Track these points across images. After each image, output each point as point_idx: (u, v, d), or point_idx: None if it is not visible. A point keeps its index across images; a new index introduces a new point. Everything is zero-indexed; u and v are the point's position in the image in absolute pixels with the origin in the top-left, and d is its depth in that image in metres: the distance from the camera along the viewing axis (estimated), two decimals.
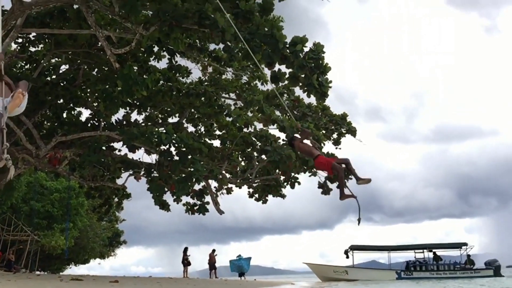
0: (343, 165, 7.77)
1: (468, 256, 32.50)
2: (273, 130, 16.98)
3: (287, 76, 10.62)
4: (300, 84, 9.92)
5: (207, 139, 17.46)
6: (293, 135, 8.96)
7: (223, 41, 11.76)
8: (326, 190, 17.92)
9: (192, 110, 16.72)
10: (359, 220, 7.88)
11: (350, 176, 8.75)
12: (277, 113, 16.90)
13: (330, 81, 9.68)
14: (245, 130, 16.84)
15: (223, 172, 16.62)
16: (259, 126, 17.33)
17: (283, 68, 10.57)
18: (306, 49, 9.67)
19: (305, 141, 8.41)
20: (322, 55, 9.51)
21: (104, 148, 15.56)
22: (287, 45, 9.81)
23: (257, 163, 17.12)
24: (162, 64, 15.21)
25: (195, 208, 16.98)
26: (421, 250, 33.32)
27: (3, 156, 4.48)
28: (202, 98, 15.37)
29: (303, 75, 9.63)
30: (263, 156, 16.80)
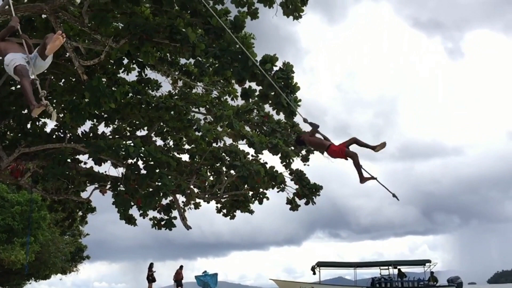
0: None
1: (432, 273, 33.05)
2: (243, 146, 17.04)
3: (257, 93, 10.69)
4: (270, 102, 10.01)
5: (175, 153, 17.31)
6: (297, 135, 8.96)
7: (194, 56, 11.80)
8: (294, 206, 17.99)
9: (161, 123, 16.57)
10: (394, 195, 8.11)
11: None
12: (247, 128, 16.96)
13: (299, 100, 9.81)
14: (214, 145, 16.82)
15: (191, 186, 16.48)
16: (229, 141, 17.34)
17: (254, 85, 10.65)
18: (276, 68, 9.78)
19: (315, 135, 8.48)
20: (292, 74, 9.64)
21: (69, 160, 15.19)
22: (257, 63, 9.90)
23: (225, 178, 17.07)
24: (132, 76, 15.07)
25: (162, 223, 16.72)
26: (387, 267, 33.71)
27: (43, 103, 4.90)
28: (172, 112, 15.27)
29: (272, 93, 9.72)
30: (232, 171, 16.77)
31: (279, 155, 16.49)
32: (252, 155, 17.30)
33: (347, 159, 8.02)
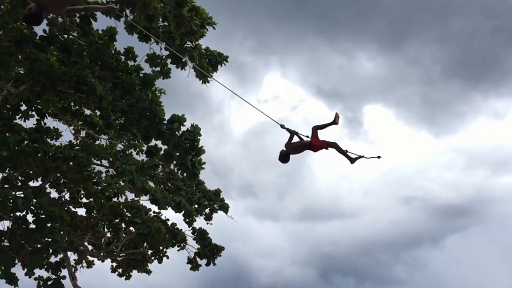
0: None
1: None
2: (145, 201, 16.52)
3: (162, 152, 10.59)
4: (174, 162, 9.94)
5: (71, 207, 16.27)
6: (280, 152, 8.61)
7: (100, 108, 11.49)
8: (195, 266, 17.52)
9: (58, 174, 15.61)
10: (379, 156, 8.29)
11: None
12: (151, 184, 16.54)
13: (204, 163, 9.87)
14: (114, 199, 16.11)
15: (85, 243, 15.48)
16: (131, 196, 16.74)
17: (159, 143, 10.55)
18: (183, 128, 9.82)
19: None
20: (198, 137, 9.72)
21: None
22: (165, 122, 9.87)
23: (124, 235, 16.29)
24: (29, 123, 14.19)
25: (49, 283, 15.33)
26: None
27: None
28: (71, 163, 14.51)
29: (177, 153, 9.69)
30: (132, 228, 16.08)
31: (182, 213, 16.19)
32: (154, 212, 16.80)
33: (327, 149, 8.36)
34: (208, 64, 10.97)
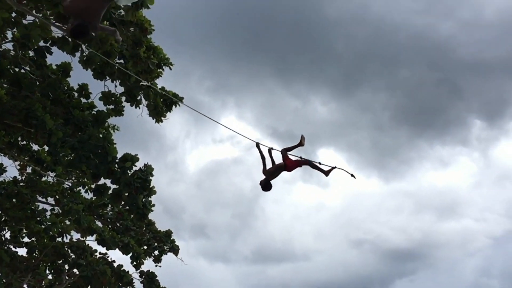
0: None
1: None
2: (92, 242, 15.88)
3: (110, 192, 10.32)
4: (123, 203, 9.71)
5: (11, 247, 15.39)
6: (260, 183, 8.62)
7: (49, 143, 11.15)
8: None
9: (0, 211, 14.83)
10: (352, 175, 8.68)
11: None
12: (99, 223, 15.96)
13: (153, 205, 9.72)
14: (59, 239, 15.40)
15: (25, 286, 14.61)
16: (77, 236, 16.06)
17: (109, 182, 10.29)
18: (135, 168, 9.66)
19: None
20: (150, 177, 9.59)
21: None
22: (117, 160, 9.69)
23: (67, 278, 15.51)
24: None
25: None
26: None
27: None
28: (14, 200, 13.86)
29: (127, 194, 9.47)
30: (75, 270, 15.37)
31: (130, 254, 15.64)
32: (100, 253, 16.16)
33: (301, 167, 8.68)
34: (163, 103, 10.97)
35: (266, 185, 8.61)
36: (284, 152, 8.63)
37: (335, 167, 8.68)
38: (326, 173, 8.66)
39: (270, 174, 8.61)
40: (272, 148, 8.72)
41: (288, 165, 8.52)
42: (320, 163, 8.61)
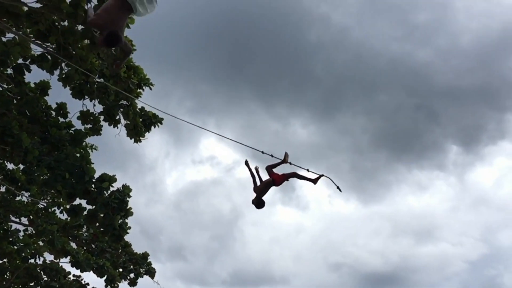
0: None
1: None
2: (65, 264, 15.49)
3: (85, 213, 10.11)
4: (98, 224, 9.52)
5: None
6: (253, 201, 8.86)
7: (24, 162, 10.93)
8: None
9: None
10: (338, 188, 8.84)
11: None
12: (73, 245, 15.60)
13: (129, 227, 9.59)
14: (31, 261, 14.98)
15: None
16: (50, 257, 15.65)
17: (84, 203, 10.09)
18: (113, 188, 9.53)
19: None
20: (128, 198, 9.46)
21: None
22: (94, 180, 9.54)
23: None
24: None
25: None
26: None
27: None
28: None
29: (102, 215, 9.31)
30: None
31: (105, 277, 15.28)
32: (74, 275, 15.75)
33: (288, 180, 8.87)
34: (142, 123, 10.92)
35: (259, 203, 8.82)
36: (269, 169, 8.80)
37: (322, 175, 8.82)
38: (314, 181, 8.82)
39: (260, 191, 8.83)
40: (257, 170, 8.98)
41: (276, 179, 8.71)
42: (308, 170, 8.71)
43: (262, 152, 8.29)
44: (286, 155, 8.80)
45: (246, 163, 8.97)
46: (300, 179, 8.89)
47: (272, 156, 8.52)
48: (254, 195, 8.90)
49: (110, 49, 5.82)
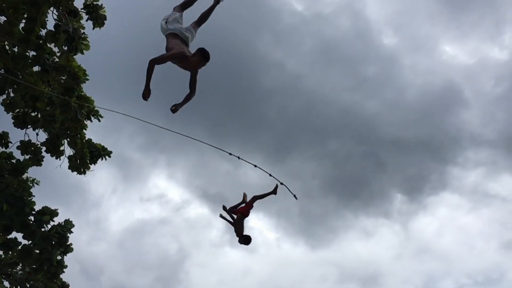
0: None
1: None
2: None
3: (20, 247, 9.48)
4: (30, 260, 8.95)
5: None
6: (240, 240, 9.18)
7: None
8: None
9: None
10: (295, 196, 9.09)
11: None
12: (6, 284, 14.54)
13: (66, 266, 9.14)
14: None
15: None
16: None
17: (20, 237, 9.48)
18: (54, 223, 9.04)
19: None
20: (69, 234, 9.00)
21: None
22: (34, 213, 9.02)
23: None
24: None
25: None
26: None
27: None
28: None
29: (38, 251, 8.76)
30: None
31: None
32: None
33: (253, 206, 9.40)
34: (89, 154, 10.54)
35: (246, 240, 9.10)
36: (255, 199, 9.37)
37: (281, 183, 9.03)
38: (274, 192, 9.28)
39: (239, 230, 9.16)
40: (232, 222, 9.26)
41: (243, 212, 9.20)
42: (255, 166, 8.81)
43: (230, 154, 8.36)
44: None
45: (221, 216, 9.26)
46: (262, 198, 9.40)
47: (239, 158, 8.57)
48: (237, 238, 9.17)
49: (205, 65, 6.20)
